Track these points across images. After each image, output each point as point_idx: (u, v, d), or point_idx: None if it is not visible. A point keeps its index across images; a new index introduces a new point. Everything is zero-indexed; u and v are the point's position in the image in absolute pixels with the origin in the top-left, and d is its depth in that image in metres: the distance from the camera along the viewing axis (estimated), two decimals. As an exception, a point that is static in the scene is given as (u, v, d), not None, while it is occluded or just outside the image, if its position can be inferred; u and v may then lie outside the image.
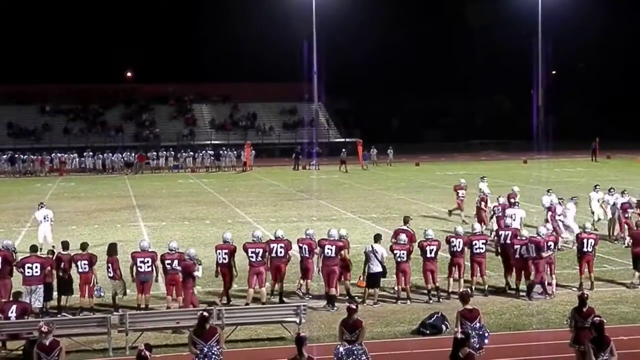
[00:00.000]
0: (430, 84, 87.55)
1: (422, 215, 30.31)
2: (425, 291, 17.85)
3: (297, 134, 72.67)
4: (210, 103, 79.94)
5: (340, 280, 17.74)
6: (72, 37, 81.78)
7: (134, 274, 17.02)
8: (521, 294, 17.99)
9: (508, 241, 18.71)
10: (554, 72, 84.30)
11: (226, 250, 17.57)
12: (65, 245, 17.64)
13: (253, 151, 60.42)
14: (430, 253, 17.76)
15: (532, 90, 77.66)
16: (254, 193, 40.93)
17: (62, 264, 16.98)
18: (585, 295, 12.63)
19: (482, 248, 18.21)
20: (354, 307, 12.07)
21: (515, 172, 50.05)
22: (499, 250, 19.29)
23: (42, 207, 25.10)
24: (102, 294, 17.27)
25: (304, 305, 15.29)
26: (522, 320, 16.22)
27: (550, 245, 17.95)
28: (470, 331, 11.80)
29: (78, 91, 75.97)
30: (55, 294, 17.03)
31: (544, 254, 17.65)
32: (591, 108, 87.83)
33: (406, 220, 19.94)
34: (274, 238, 18.07)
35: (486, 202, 26.44)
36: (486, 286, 18.27)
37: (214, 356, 11.51)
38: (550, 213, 24.21)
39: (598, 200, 26.29)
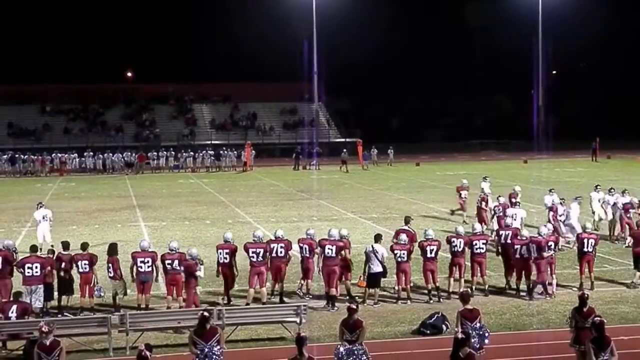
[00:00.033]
0: (431, 84, 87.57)
1: (422, 215, 30.31)
2: (426, 291, 17.86)
3: (298, 134, 72.68)
4: (210, 103, 79.95)
5: (340, 280, 17.74)
6: (72, 37, 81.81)
7: (134, 274, 17.03)
8: (521, 293, 17.99)
9: (508, 241, 18.72)
10: (554, 72, 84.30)
11: (227, 250, 17.57)
12: (65, 245, 17.64)
13: (253, 151, 60.43)
14: (431, 253, 17.76)
15: (532, 90, 77.67)
16: (254, 193, 40.93)
17: (64, 264, 16.99)
18: (586, 295, 12.63)
19: (483, 248, 18.21)
20: (354, 307, 12.07)
21: (515, 172, 50.05)
22: (500, 250, 19.30)
23: (40, 206, 25.14)
24: (103, 294, 17.27)
25: (304, 305, 15.29)
26: (522, 320, 16.22)
27: (551, 245, 17.95)
28: (470, 331, 11.80)
29: (78, 91, 76.00)
30: (55, 294, 17.03)
31: (545, 254, 17.66)
32: (591, 108, 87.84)
33: (407, 220, 19.94)
34: (274, 238, 18.08)
35: (487, 202, 26.44)
36: (486, 286, 18.27)
37: (214, 356, 11.51)
38: (552, 213, 24.20)
39: (599, 201, 26.28)
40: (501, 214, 23.85)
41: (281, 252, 17.72)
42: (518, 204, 24.56)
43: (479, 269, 18.18)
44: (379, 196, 38.59)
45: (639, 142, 68.66)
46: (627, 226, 23.93)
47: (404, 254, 17.59)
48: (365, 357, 11.55)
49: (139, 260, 16.98)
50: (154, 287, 17.52)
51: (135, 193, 41.75)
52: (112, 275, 17.17)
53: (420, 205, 34.26)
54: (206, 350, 11.50)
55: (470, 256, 18.25)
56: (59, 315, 16.35)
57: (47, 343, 11.40)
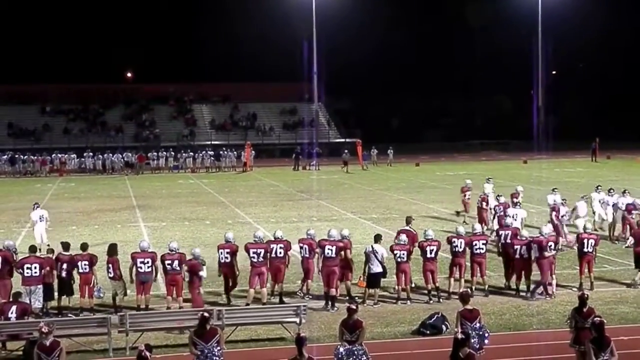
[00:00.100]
0: (431, 84, 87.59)
1: (422, 216, 30.29)
2: (426, 291, 17.86)
3: (297, 134, 72.68)
4: (210, 103, 79.96)
5: (341, 281, 17.73)
6: (73, 38, 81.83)
7: (134, 274, 17.03)
8: (521, 293, 17.99)
9: (508, 240, 18.72)
10: (554, 72, 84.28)
11: (228, 250, 17.59)
12: (65, 246, 17.63)
13: (253, 151, 60.43)
14: (431, 253, 17.76)
15: (532, 91, 77.65)
16: (254, 193, 40.93)
17: (65, 265, 16.97)
18: (586, 296, 12.63)
19: (483, 248, 18.20)
20: (354, 307, 12.07)
21: (515, 172, 50.05)
22: (500, 250, 19.31)
23: (37, 207, 25.17)
24: (102, 295, 17.28)
25: (304, 306, 15.29)
26: (522, 320, 16.22)
27: (551, 245, 17.95)
28: (470, 331, 11.80)
29: (78, 91, 76.01)
30: (55, 294, 17.04)
31: (547, 254, 17.66)
32: (591, 108, 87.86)
33: (408, 221, 19.97)
34: (273, 239, 18.08)
35: (487, 202, 26.43)
36: (486, 286, 18.27)
37: (214, 357, 11.51)
38: (554, 213, 24.21)
39: (600, 201, 26.27)
40: (502, 213, 23.84)
41: (280, 253, 17.72)
42: (519, 204, 24.53)
43: (478, 269, 18.18)
44: (379, 196, 38.59)
45: (639, 143, 68.65)
46: (628, 227, 23.91)
47: (403, 254, 17.59)
48: (365, 358, 11.55)
49: (138, 260, 16.98)
50: (154, 287, 17.52)
51: (135, 193, 41.75)
52: (112, 275, 17.17)
53: (420, 206, 34.26)
54: (206, 351, 11.51)
55: (470, 256, 18.25)
56: (59, 316, 16.35)
57: (47, 343, 11.41)
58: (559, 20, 72.92)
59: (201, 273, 16.59)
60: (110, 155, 57.76)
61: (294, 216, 31.48)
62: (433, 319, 15.47)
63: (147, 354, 10.62)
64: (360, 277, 18.04)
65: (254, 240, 17.72)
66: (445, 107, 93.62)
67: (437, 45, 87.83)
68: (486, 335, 12.44)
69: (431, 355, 14.18)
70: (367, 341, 12.52)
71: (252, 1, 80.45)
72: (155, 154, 59.55)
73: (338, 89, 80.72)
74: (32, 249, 17.54)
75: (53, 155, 57.75)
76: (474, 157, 67.87)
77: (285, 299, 17.66)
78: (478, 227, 19.28)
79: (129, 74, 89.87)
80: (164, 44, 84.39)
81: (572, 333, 12.39)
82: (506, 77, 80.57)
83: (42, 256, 17.37)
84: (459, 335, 10.73)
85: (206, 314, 11.93)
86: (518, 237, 18.41)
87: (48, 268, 16.70)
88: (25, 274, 16.48)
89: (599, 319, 11.25)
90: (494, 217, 25.02)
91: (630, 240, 22.23)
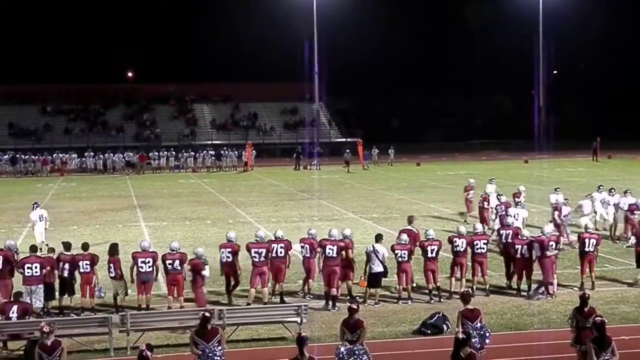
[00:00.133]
0: (431, 84, 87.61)
1: (423, 215, 30.29)
2: (427, 291, 17.86)
3: (298, 134, 72.72)
4: (211, 103, 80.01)
5: (343, 280, 17.72)
6: (73, 38, 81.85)
7: (135, 274, 17.03)
8: (522, 293, 17.99)
9: (509, 240, 18.73)
10: (554, 71, 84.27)
11: (229, 249, 17.60)
12: (67, 246, 17.64)
13: (254, 151, 60.42)
14: (432, 253, 17.76)
15: (532, 90, 77.62)
16: (255, 193, 40.94)
17: (66, 264, 16.97)
18: (587, 295, 12.63)
19: (484, 248, 18.20)
20: (355, 307, 12.07)
21: (516, 172, 50.02)
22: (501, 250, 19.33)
23: (36, 207, 25.17)
24: (103, 295, 17.28)
25: (305, 306, 15.30)
26: (523, 320, 16.22)
27: (552, 245, 17.95)
28: (471, 331, 11.80)
29: (79, 91, 76.06)
30: (56, 294, 17.04)
31: (549, 253, 17.66)
32: (591, 108, 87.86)
33: (410, 220, 19.99)
34: (274, 238, 18.09)
35: (488, 201, 26.43)
36: (487, 286, 18.27)
37: (215, 357, 11.51)
38: (556, 212, 24.21)
39: (601, 201, 26.26)
40: (503, 212, 23.85)
41: (281, 252, 17.73)
42: (520, 204, 24.53)
43: (479, 268, 18.18)
44: (380, 196, 38.59)
45: (639, 142, 68.63)
46: (630, 226, 23.90)
47: (404, 253, 17.60)
48: (366, 357, 11.55)
49: (139, 260, 16.98)
50: (155, 287, 17.53)
51: (136, 193, 41.76)
52: (113, 275, 17.18)
53: (421, 205, 34.25)
54: (207, 350, 11.51)
55: (471, 256, 18.26)
56: (60, 316, 16.36)
57: (48, 343, 11.42)
58: (559, 20, 72.91)
59: (204, 272, 16.61)
60: (111, 155, 57.77)
61: (295, 216, 31.48)
62: (434, 319, 15.47)
63: (148, 353, 10.63)
64: (361, 276, 18.04)
65: (256, 240, 17.74)
66: (445, 107, 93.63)
67: (438, 45, 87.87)
68: (487, 334, 12.45)
69: (432, 354, 14.18)
70: (368, 341, 12.53)
71: (253, 1, 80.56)
72: (156, 153, 59.57)
73: (338, 89, 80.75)
74: (33, 248, 17.55)
75: (54, 155, 57.79)
76: (474, 157, 67.87)
77: (286, 299, 17.66)
78: (479, 227, 19.28)
79: (129, 74, 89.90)
80: (164, 44, 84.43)
81: (573, 333, 12.38)
82: (506, 77, 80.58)
83: (42, 256, 17.37)
84: (460, 335, 10.73)
85: (207, 314, 11.93)
86: (519, 237, 18.41)
87: (49, 268, 16.70)
88: (26, 274, 16.48)
89: (600, 318, 11.24)
90: (495, 217, 25.01)
91: (632, 240, 22.24)
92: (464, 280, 17.97)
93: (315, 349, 12.72)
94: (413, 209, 31.59)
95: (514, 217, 22.57)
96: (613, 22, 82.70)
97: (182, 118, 76.93)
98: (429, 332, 15.29)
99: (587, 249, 18.43)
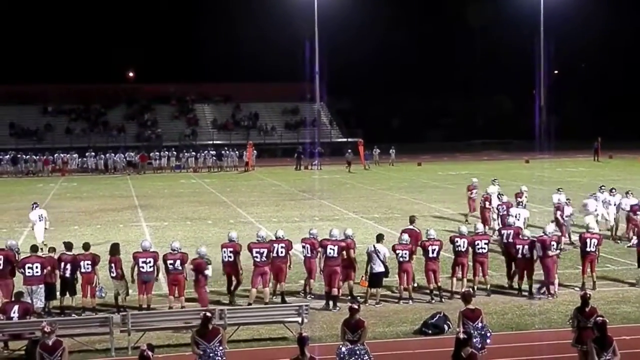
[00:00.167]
0: (431, 84, 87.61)
1: (424, 215, 30.28)
2: (428, 291, 17.85)
3: (299, 134, 72.72)
4: (212, 103, 80.00)
5: (344, 280, 17.72)
6: (73, 38, 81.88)
7: (135, 274, 17.03)
8: (524, 293, 17.99)
9: (510, 240, 18.73)
10: (556, 71, 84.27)
11: (231, 249, 17.60)
12: (68, 246, 17.64)
13: (255, 151, 60.43)
14: (433, 253, 17.76)
15: (533, 90, 77.63)
16: (256, 193, 40.94)
17: (68, 265, 16.97)
18: (588, 295, 12.62)
19: (485, 248, 18.20)
20: (356, 307, 12.07)
21: (517, 172, 50.00)
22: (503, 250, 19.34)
23: (35, 207, 25.16)
24: (104, 294, 17.29)
25: (305, 306, 15.30)
26: (524, 320, 16.22)
27: (553, 245, 17.95)
28: (472, 331, 11.81)
29: (79, 91, 76.06)
30: (57, 294, 17.05)
31: (551, 253, 17.66)
32: (592, 108, 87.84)
33: (412, 220, 20.01)
34: (274, 238, 18.09)
35: (490, 201, 26.42)
36: (488, 286, 18.27)
37: (217, 357, 11.51)
38: (559, 212, 24.20)
39: (602, 201, 26.24)
40: (505, 212, 23.84)
41: (282, 252, 17.74)
42: (521, 204, 24.52)
43: (480, 268, 18.17)
44: (381, 196, 38.59)
45: (640, 143, 68.71)
46: (632, 227, 23.88)
47: (405, 253, 17.60)
48: (367, 357, 11.55)
49: (140, 260, 16.98)
50: (156, 287, 17.53)
51: (137, 193, 41.77)
52: (114, 275, 17.18)
53: (422, 205, 34.24)
54: (208, 350, 11.51)
55: (472, 256, 18.25)
56: (62, 315, 16.37)
57: (50, 343, 11.43)
58: (560, 20, 72.93)
59: (206, 272, 16.63)
60: (113, 155, 57.77)
61: (296, 216, 31.48)
62: (435, 319, 15.46)
63: (149, 353, 10.63)
64: (363, 276, 18.04)
65: (257, 240, 17.76)
66: (446, 107, 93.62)
67: (438, 45, 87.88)
68: (488, 334, 12.44)
69: (433, 355, 14.18)
70: (369, 341, 12.53)
71: (254, 1, 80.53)
72: (157, 153, 59.55)
73: (339, 89, 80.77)
74: (34, 248, 17.57)
75: (55, 155, 57.81)
76: (475, 157, 67.84)
77: (287, 299, 17.66)
78: (480, 227, 19.30)
79: (130, 74, 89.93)
80: (165, 44, 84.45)
81: (575, 333, 12.38)
82: (507, 77, 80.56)
83: (43, 256, 17.38)
84: (461, 335, 10.74)
85: (208, 314, 11.93)
86: (520, 237, 18.41)
87: (49, 268, 16.71)
88: (27, 274, 16.48)
89: (601, 318, 11.24)
90: (497, 217, 25.01)
91: (634, 240, 22.24)
92: (465, 280, 17.97)
93: (316, 349, 12.72)
94: (414, 209, 31.58)
95: (516, 217, 22.54)
96: (614, 22, 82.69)
97: (183, 118, 76.95)
98: (430, 332, 15.29)
99: (588, 249, 18.44)
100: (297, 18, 71.51)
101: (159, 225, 29.55)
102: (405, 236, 18.13)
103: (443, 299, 17.62)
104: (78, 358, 14.21)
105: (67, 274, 16.95)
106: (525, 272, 18.05)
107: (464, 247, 18.00)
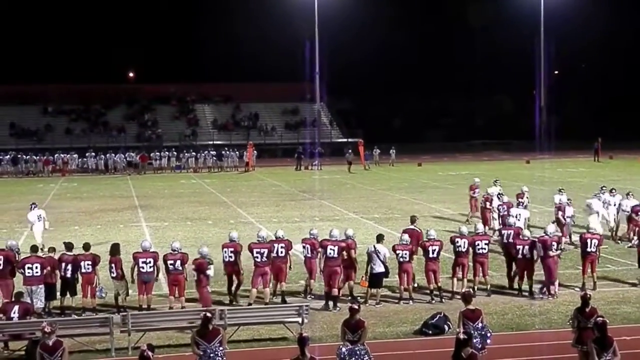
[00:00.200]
0: (432, 84, 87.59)
1: (424, 216, 30.26)
2: (428, 291, 17.85)
3: (300, 134, 72.71)
4: (212, 103, 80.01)
5: (345, 281, 17.71)
6: (74, 38, 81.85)
7: (136, 274, 17.03)
8: (524, 293, 17.99)
9: (510, 240, 18.73)
10: (556, 72, 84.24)
11: (232, 249, 17.60)
12: (69, 246, 17.63)
13: (255, 151, 60.44)
14: (433, 253, 17.76)
15: (534, 91, 77.60)
16: (257, 193, 40.94)
17: (69, 265, 16.96)
18: (588, 296, 12.62)
19: (485, 248, 18.19)
20: (356, 307, 12.07)
21: (517, 172, 50.01)
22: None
23: (34, 207, 25.14)
24: (105, 295, 17.29)
25: (306, 306, 15.30)
26: (524, 320, 16.21)
27: (554, 245, 17.94)
28: (472, 331, 11.81)
29: (80, 91, 76.03)
30: (58, 294, 17.05)
31: (552, 253, 17.66)
32: (592, 108, 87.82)
33: (413, 220, 20.00)
34: (274, 238, 18.09)
35: (491, 202, 26.42)
36: (488, 286, 18.27)
37: (217, 357, 11.51)
38: (560, 212, 24.19)
39: (603, 202, 26.24)
40: (505, 212, 23.83)
41: (282, 252, 17.74)
42: (522, 204, 24.52)
43: (481, 269, 18.17)
44: (381, 196, 38.58)
45: (640, 143, 68.71)
46: (633, 228, 23.86)
47: (406, 254, 17.60)
48: (367, 358, 11.55)
49: (140, 260, 16.99)
50: (156, 287, 17.53)
51: (137, 193, 41.77)
52: (114, 275, 17.18)
53: (422, 206, 34.23)
54: (209, 351, 11.51)
55: (473, 256, 18.24)
56: (62, 316, 16.36)
57: (50, 343, 11.43)
58: (560, 20, 72.94)
59: (208, 272, 16.64)
60: (113, 155, 57.78)
61: (296, 216, 31.48)
62: (435, 319, 15.46)
63: (150, 353, 10.63)
64: (363, 277, 18.04)
65: (258, 240, 17.76)
66: (446, 107, 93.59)
67: (439, 45, 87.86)
68: (488, 335, 12.45)
69: (433, 355, 14.17)
70: (369, 341, 12.53)
71: (254, 1, 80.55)
72: (157, 154, 59.54)
73: (340, 89, 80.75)
74: (34, 248, 17.58)
75: (55, 155, 57.82)
76: (476, 157, 67.84)
77: (287, 299, 17.66)
78: (480, 227, 19.31)
79: (130, 74, 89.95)
80: (165, 44, 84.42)
81: (575, 333, 12.38)
82: (507, 77, 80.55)
83: (43, 256, 17.38)
84: (461, 335, 10.74)
85: (209, 314, 11.94)
86: (520, 237, 18.41)
87: (49, 268, 16.71)
88: (27, 274, 16.48)
89: (601, 318, 11.25)
90: (498, 217, 25.00)
91: (635, 240, 22.24)
92: (465, 280, 17.97)
93: (316, 349, 12.71)
94: (414, 209, 31.56)
95: (516, 217, 22.54)
96: (614, 22, 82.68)
97: (184, 118, 76.95)
98: (430, 332, 15.29)
99: (589, 249, 18.44)
100: (297, 18, 71.52)
101: (159, 226, 29.55)
102: (406, 236, 18.13)
103: (443, 300, 17.62)
104: (78, 358, 14.21)
105: (68, 275, 16.95)
106: (525, 272, 18.05)
107: (464, 247, 18.00)
